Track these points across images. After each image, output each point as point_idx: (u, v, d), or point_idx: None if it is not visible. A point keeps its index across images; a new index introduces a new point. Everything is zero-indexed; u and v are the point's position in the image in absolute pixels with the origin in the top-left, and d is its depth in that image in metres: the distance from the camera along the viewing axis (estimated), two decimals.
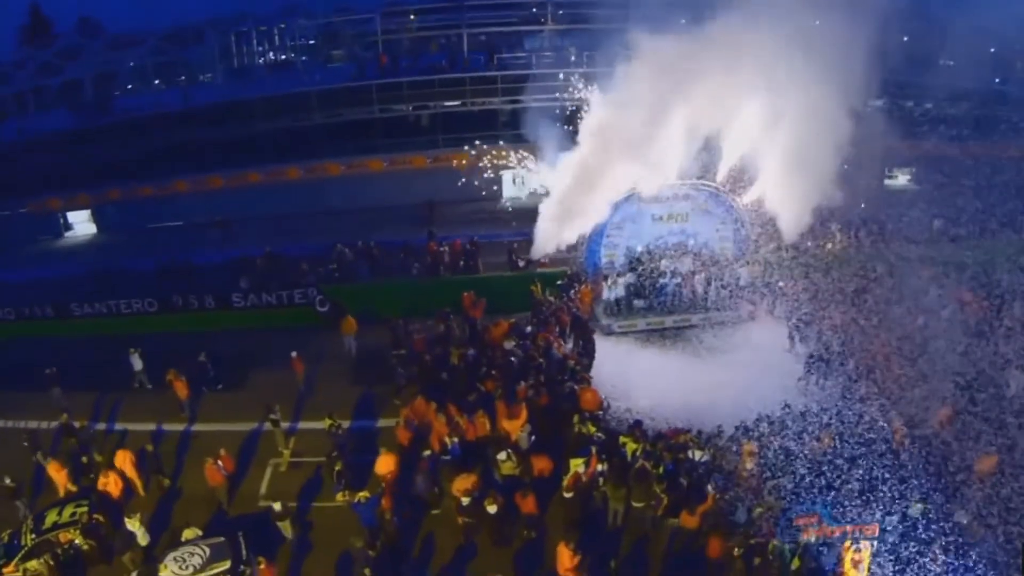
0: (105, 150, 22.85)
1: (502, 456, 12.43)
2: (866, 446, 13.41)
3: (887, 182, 27.04)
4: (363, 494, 11.90)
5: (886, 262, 19.39)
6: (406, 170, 24.21)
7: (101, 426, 15.36)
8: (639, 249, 18.12)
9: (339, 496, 12.59)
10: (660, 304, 17.83)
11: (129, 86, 24.42)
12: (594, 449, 12.07)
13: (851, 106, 17.02)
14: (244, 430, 14.98)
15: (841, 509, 11.72)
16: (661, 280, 17.87)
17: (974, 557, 11.42)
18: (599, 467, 12.03)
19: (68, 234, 24.16)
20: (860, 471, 12.68)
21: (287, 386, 15.97)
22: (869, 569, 10.88)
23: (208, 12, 28.84)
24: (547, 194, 17.90)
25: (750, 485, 12.28)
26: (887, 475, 12.71)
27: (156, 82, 24.50)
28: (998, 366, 16.34)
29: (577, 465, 12.05)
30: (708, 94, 15.74)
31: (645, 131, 15.55)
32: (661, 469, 12.02)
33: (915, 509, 12.12)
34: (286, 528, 12.36)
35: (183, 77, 24.57)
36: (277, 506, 12.43)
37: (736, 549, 10.62)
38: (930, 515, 11.98)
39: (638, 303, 17.76)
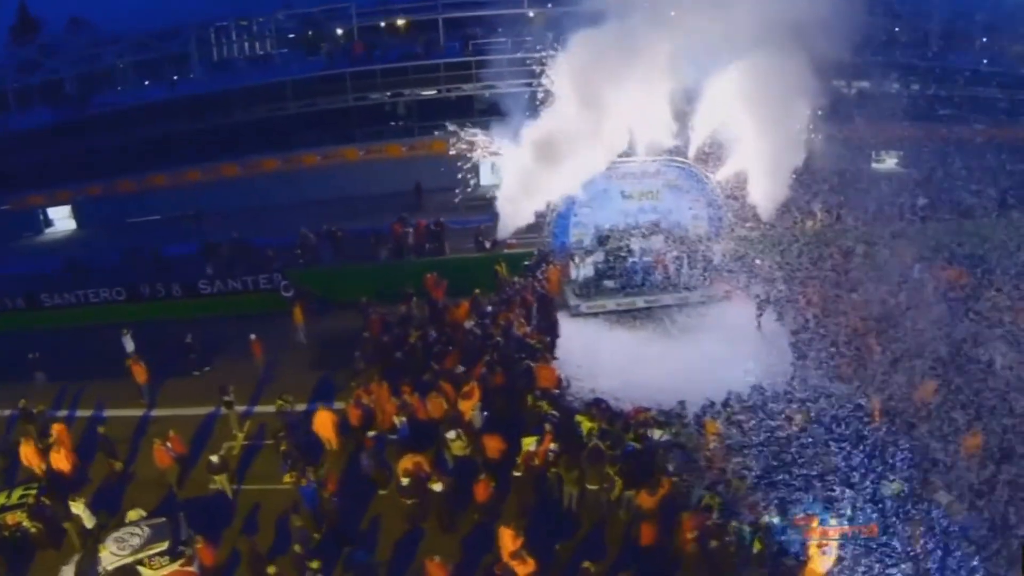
0: (84, 145, 22.97)
1: (451, 435, 12.04)
2: (841, 424, 12.88)
3: (874, 165, 26.45)
4: (309, 475, 11.72)
5: (866, 240, 18.81)
6: (384, 159, 24.02)
7: (63, 412, 15.42)
8: (608, 228, 17.72)
9: (285, 477, 12.36)
10: (630, 284, 17.34)
11: (110, 82, 24.50)
12: (547, 428, 11.63)
13: (819, 84, 16.56)
14: (202, 414, 14.79)
15: (810, 490, 11.11)
16: (631, 259, 17.42)
17: (955, 538, 10.72)
18: (552, 447, 11.56)
19: (48, 230, 24.24)
20: (832, 450, 12.11)
21: (247, 370, 15.84)
22: (838, 555, 10.18)
23: (202, 12, 29.10)
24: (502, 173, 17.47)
25: (712, 465, 11.72)
26: (861, 454, 12.16)
27: (136, 78, 24.57)
28: (980, 341, 15.74)
29: (528, 444, 11.63)
30: (669, 66, 15.33)
31: (605, 103, 15.14)
32: (618, 450, 11.53)
33: (889, 488, 11.48)
34: (223, 483, 12.35)
35: (162, 73, 24.61)
36: (214, 458, 12.51)
37: (690, 531, 10.11)
38: (906, 495, 11.30)
39: (608, 283, 17.30)
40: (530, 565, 9.63)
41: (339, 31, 25.86)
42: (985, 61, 26.39)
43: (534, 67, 18.21)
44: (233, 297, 18.06)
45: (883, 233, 18.95)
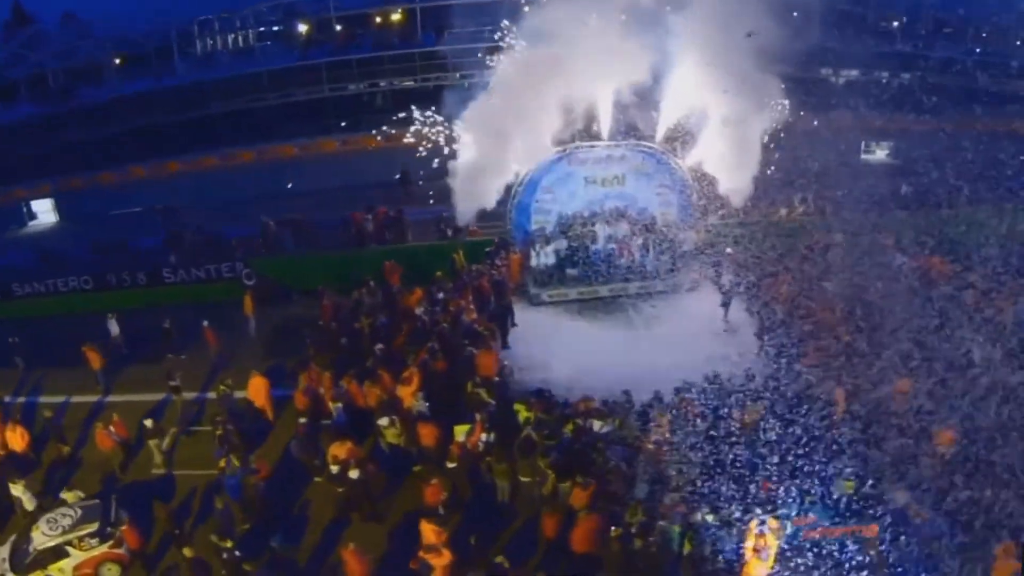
0: (65, 138, 23.27)
1: (384, 422, 11.78)
2: (799, 418, 12.15)
3: (864, 156, 25.65)
4: (234, 464, 11.55)
5: (842, 229, 18.15)
6: (364, 150, 23.88)
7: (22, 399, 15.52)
8: (571, 214, 17.33)
9: (220, 463, 12.22)
10: (594, 272, 16.91)
11: (92, 76, 24.77)
12: (478, 416, 11.29)
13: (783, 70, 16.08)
14: (155, 399, 14.73)
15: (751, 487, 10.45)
16: (594, 247, 17.01)
17: (913, 543, 10.03)
18: (484, 436, 11.23)
19: (32, 223, 24.41)
20: (786, 446, 11.36)
21: (202, 358, 15.82)
22: (776, 558, 9.44)
23: (194, 9, 29.37)
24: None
25: (655, 460, 11.12)
26: (815, 450, 11.38)
27: (118, 71, 24.82)
28: (959, 334, 15.03)
29: (460, 433, 11.30)
30: (631, 49, 14.94)
31: (561, 84, 14.79)
32: (554, 441, 11.09)
33: (842, 487, 10.72)
34: (156, 450, 12.44)
35: (145, 66, 24.81)
36: (148, 423, 12.66)
37: (613, 530, 9.57)
38: (859, 495, 10.56)
39: (570, 271, 16.88)
40: (446, 558, 9.30)
41: (317, 22, 25.84)
42: (978, 50, 25.47)
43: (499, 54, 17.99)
44: (197, 286, 17.99)
45: (861, 222, 18.36)
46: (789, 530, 9.87)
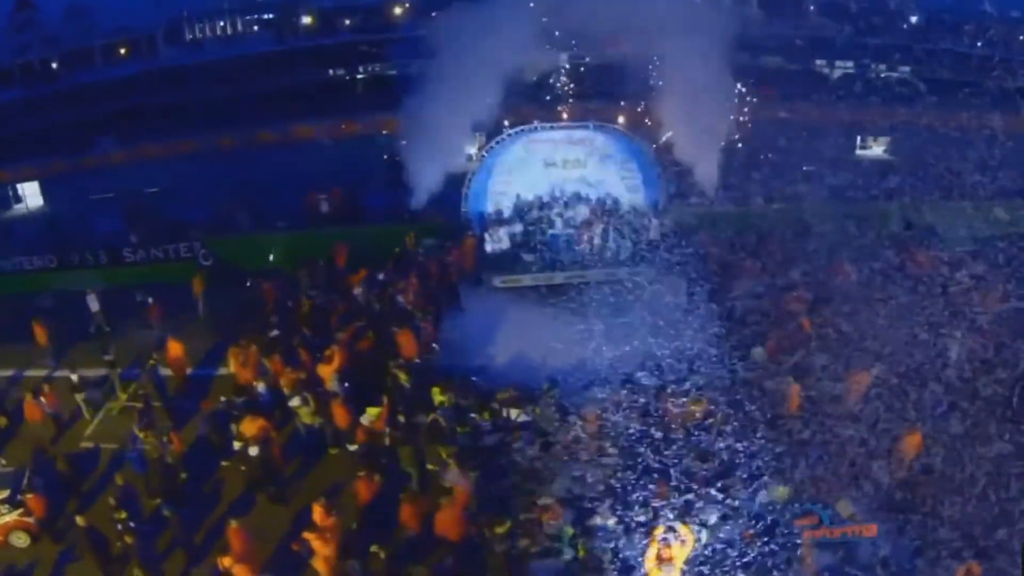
0: (49, 120, 23.68)
1: (296, 402, 11.38)
2: (742, 416, 11.36)
3: (860, 152, 24.40)
4: (147, 438, 11.31)
5: (822, 218, 17.15)
6: (344, 135, 23.68)
7: None
8: (530, 198, 16.71)
9: (141, 437, 12.01)
10: (550, 259, 16.20)
11: (78, 60, 25.19)
12: (385, 399, 10.79)
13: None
14: (102, 374, 14.38)
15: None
16: (551, 232, 16.36)
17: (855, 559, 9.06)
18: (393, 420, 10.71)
19: (17, 206, 24.70)
20: (722, 445, 10.56)
21: (149, 335, 15.57)
22: (681, 571, 8.35)
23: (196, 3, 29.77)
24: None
25: (568, 454, 10.37)
26: (754, 450, 10.56)
27: (106, 56, 25.23)
28: (936, 330, 13.93)
29: (372, 415, 10.85)
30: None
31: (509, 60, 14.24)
32: (466, 428, 10.54)
33: (775, 493, 9.75)
34: (82, 403, 12.70)
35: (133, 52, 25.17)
36: (74, 377, 12.92)
37: (498, 527, 8.88)
38: (796, 502, 9.51)
39: (526, 257, 16.23)
40: (331, 547, 8.79)
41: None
42: (980, 44, 23.98)
43: None
44: (156, 265, 17.98)
45: (839, 213, 17.38)
46: (705, 539, 8.89)
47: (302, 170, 20.29)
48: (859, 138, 25.13)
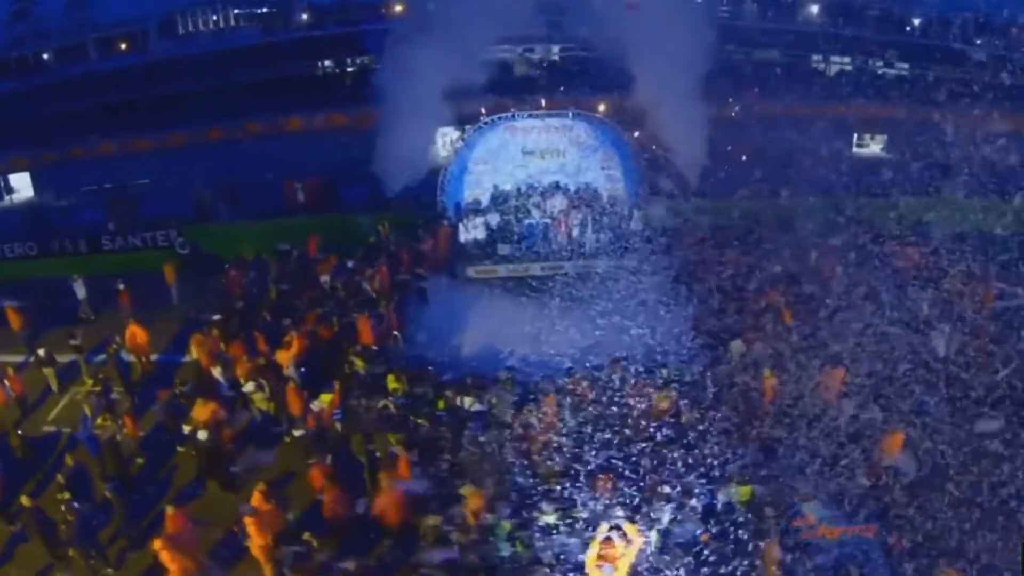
0: (40, 112, 23.80)
1: (249, 388, 11.15)
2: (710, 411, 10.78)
3: (856, 150, 23.82)
4: (102, 422, 11.10)
5: (809, 213, 16.66)
6: (329, 129, 23.46)
7: None
8: (508, 187, 16.38)
9: (98, 421, 11.83)
10: (527, 250, 15.88)
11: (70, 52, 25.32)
12: (337, 385, 10.53)
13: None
14: (69, 360, 14.33)
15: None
16: (528, 222, 16.01)
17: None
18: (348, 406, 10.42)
19: (8, 197, 24.84)
20: (685, 441, 9.93)
21: (119, 319, 15.30)
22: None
23: None
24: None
25: (525, 444, 9.84)
26: (719, 448, 9.89)
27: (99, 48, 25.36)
28: (924, 325, 13.37)
29: (324, 401, 10.53)
30: None
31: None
32: (418, 416, 10.13)
33: (736, 493, 9.05)
34: (50, 377, 12.97)
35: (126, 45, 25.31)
36: (41, 352, 13.08)
37: (431, 518, 8.49)
38: (758, 503, 8.94)
39: (501, 247, 15.91)
40: (266, 537, 8.49)
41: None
42: (978, 42, 23.26)
43: None
44: (134, 253, 17.92)
45: (828, 207, 16.86)
46: (655, 541, 8.23)
47: (285, 161, 20.23)
48: (856, 136, 24.67)
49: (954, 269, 15.21)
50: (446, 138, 15.96)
